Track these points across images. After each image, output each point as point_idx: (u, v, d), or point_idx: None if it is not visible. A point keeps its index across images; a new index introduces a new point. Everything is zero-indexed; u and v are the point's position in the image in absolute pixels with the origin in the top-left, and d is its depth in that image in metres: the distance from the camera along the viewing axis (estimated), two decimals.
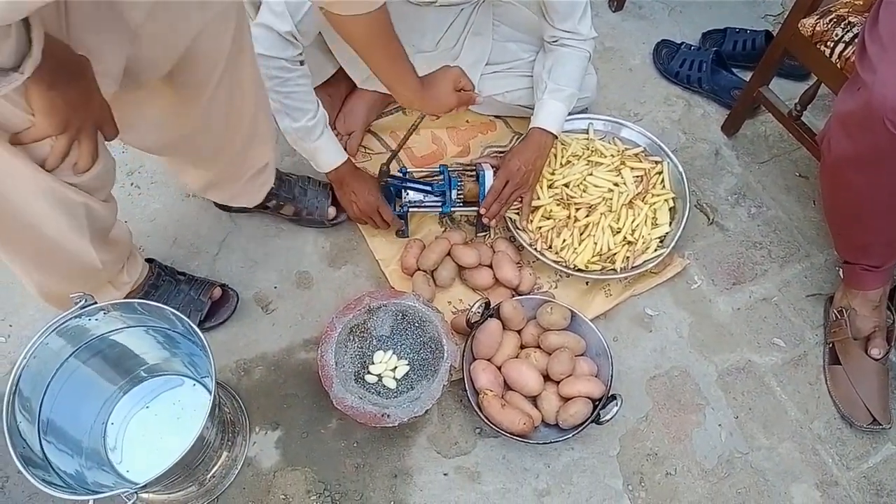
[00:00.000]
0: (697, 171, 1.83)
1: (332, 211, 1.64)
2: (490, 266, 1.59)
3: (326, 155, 1.50)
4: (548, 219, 1.61)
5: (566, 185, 1.63)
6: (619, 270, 1.57)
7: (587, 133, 1.74)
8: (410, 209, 1.60)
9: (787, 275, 1.69)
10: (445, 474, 1.41)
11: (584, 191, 1.63)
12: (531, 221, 1.61)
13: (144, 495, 1.34)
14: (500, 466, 1.43)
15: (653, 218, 1.63)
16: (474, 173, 1.61)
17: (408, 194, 1.59)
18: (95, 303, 1.19)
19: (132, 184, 1.72)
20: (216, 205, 1.66)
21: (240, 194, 1.55)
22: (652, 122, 1.91)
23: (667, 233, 1.62)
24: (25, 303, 1.54)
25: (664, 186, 1.68)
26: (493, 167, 1.58)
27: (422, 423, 1.46)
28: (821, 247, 1.72)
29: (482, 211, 1.55)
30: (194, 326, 1.16)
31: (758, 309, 1.64)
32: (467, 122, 1.84)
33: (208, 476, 1.35)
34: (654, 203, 1.64)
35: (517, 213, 1.61)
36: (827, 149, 1.34)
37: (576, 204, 1.61)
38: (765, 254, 1.72)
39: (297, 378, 1.50)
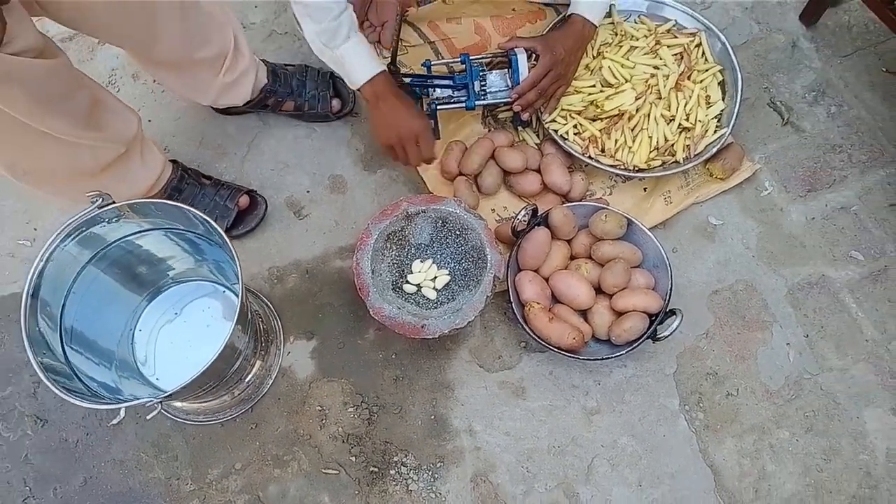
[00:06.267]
0: (772, 65, 1.63)
1: (335, 104, 1.52)
2: (538, 171, 1.45)
3: (358, 64, 1.25)
4: (594, 121, 1.46)
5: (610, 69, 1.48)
6: (682, 161, 1.43)
7: (610, 16, 1.54)
8: (438, 108, 1.42)
9: (868, 181, 1.52)
10: (488, 389, 1.34)
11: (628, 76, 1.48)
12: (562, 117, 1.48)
13: (178, 403, 1.30)
14: (547, 382, 1.35)
15: (705, 97, 1.47)
16: (506, 58, 1.42)
17: (435, 91, 1.42)
18: (113, 202, 1.11)
19: (155, 80, 1.60)
20: (216, 110, 1.54)
21: (222, 92, 1.39)
22: (721, 10, 1.70)
23: (722, 110, 1.48)
24: (51, 206, 1.48)
25: (707, 59, 1.51)
26: (527, 51, 1.39)
27: (463, 335, 1.37)
28: None
29: (513, 95, 1.38)
30: (214, 225, 1.07)
31: (834, 218, 1.48)
32: (514, 10, 1.65)
33: (242, 385, 1.31)
34: (703, 80, 1.48)
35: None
36: None
37: (617, 86, 1.47)
38: (844, 158, 1.54)
39: (333, 287, 1.42)
